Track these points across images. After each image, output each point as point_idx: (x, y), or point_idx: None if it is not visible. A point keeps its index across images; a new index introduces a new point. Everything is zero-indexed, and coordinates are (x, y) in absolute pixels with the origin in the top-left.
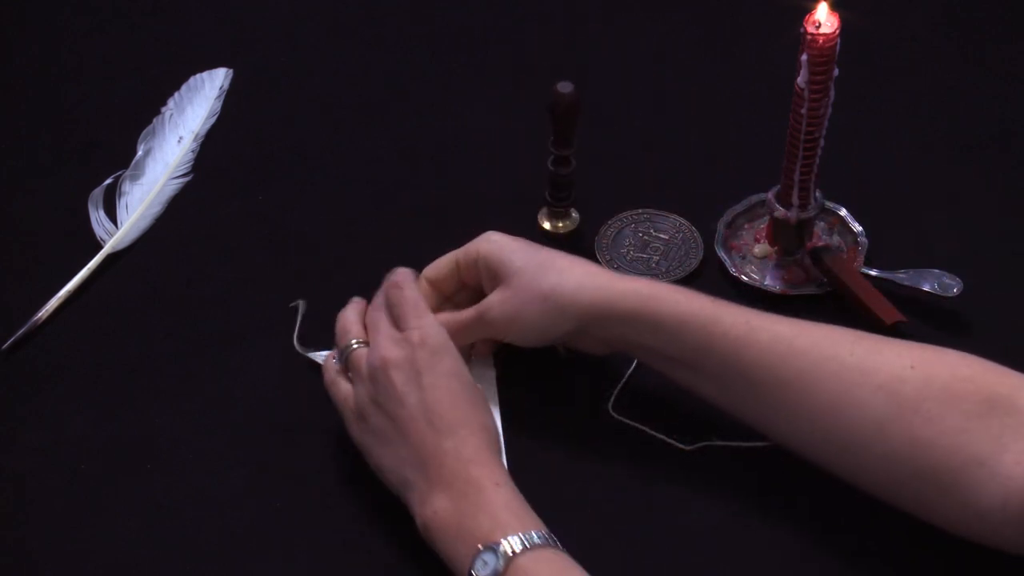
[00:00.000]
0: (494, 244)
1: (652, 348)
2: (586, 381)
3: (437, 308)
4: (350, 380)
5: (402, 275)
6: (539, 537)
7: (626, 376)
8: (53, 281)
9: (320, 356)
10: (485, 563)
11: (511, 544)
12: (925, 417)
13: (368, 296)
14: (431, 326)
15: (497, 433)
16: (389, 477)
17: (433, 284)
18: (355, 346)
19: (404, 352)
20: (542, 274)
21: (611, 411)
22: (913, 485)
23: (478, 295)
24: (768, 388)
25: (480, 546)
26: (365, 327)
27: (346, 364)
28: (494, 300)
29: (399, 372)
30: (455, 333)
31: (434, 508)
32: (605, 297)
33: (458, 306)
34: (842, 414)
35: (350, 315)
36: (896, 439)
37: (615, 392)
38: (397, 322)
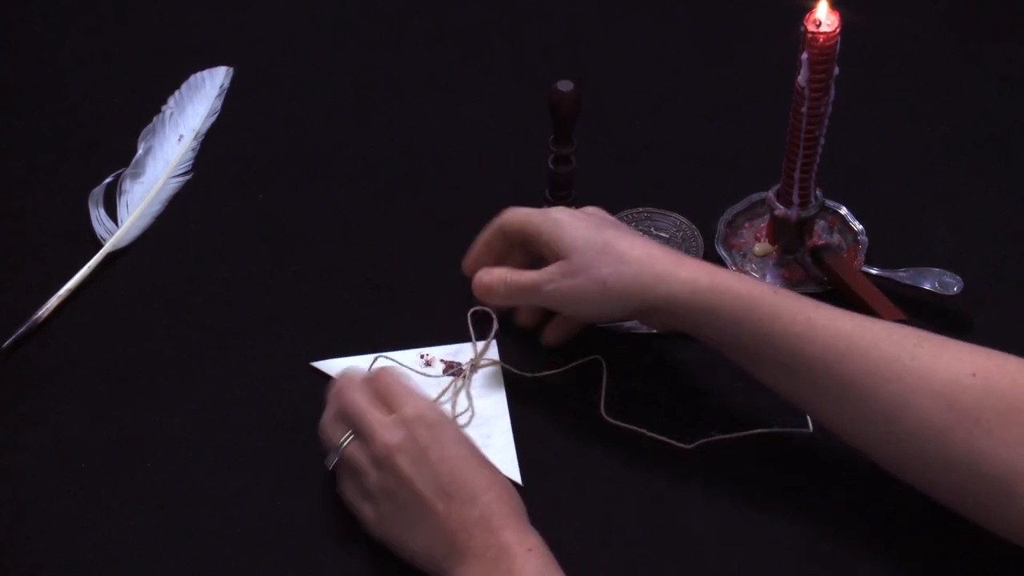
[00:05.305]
0: (546, 217)
1: (712, 337)
2: (576, 387)
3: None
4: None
5: (381, 369)
6: None
7: (604, 381)
8: (53, 280)
9: (332, 366)
10: None
11: None
12: (984, 428)
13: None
14: (423, 401)
15: (514, 490)
16: (422, 562)
17: (476, 265)
18: (346, 443)
19: (404, 433)
20: (603, 259)
21: (604, 415)
22: (969, 491)
23: (523, 255)
24: (827, 386)
25: None
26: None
27: (341, 463)
28: (554, 275)
29: (404, 455)
30: (510, 292)
31: None
32: (665, 289)
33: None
34: (901, 419)
35: (325, 420)
36: (954, 447)
37: (602, 397)
38: (388, 406)
